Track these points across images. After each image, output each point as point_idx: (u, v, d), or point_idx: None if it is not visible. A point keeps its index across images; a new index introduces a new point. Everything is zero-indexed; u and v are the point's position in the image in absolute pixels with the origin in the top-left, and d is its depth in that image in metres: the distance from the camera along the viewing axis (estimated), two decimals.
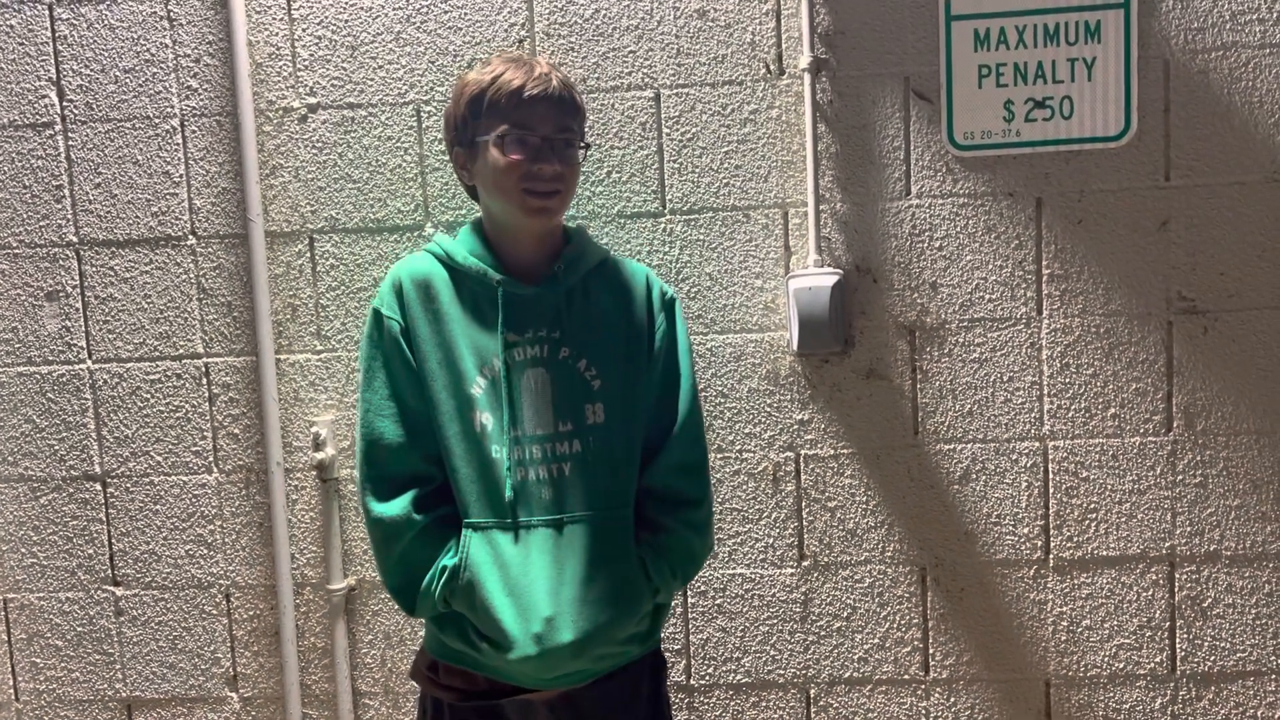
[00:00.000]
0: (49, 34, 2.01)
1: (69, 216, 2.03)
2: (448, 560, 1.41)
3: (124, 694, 2.11)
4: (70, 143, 2.02)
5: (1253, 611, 1.95)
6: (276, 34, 1.98)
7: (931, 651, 1.99)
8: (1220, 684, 1.96)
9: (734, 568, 2.00)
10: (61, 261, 2.04)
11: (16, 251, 2.04)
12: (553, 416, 1.42)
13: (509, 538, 1.40)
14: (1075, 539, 1.95)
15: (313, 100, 1.99)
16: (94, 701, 2.12)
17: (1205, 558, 1.94)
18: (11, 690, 2.13)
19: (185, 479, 2.06)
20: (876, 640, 2.00)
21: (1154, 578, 1.95)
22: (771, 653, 2.01)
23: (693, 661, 2.02)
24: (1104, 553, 1.95)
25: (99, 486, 2.08)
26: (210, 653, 2.09)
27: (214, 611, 2.08)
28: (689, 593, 2.01)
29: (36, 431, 2.07)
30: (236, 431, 2.05)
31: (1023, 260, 1.92)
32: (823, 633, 2.00)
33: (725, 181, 1.95)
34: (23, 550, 2.10)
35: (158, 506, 2.07)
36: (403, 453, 1.43)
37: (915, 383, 1.95)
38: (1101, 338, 1.92)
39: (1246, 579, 1.94)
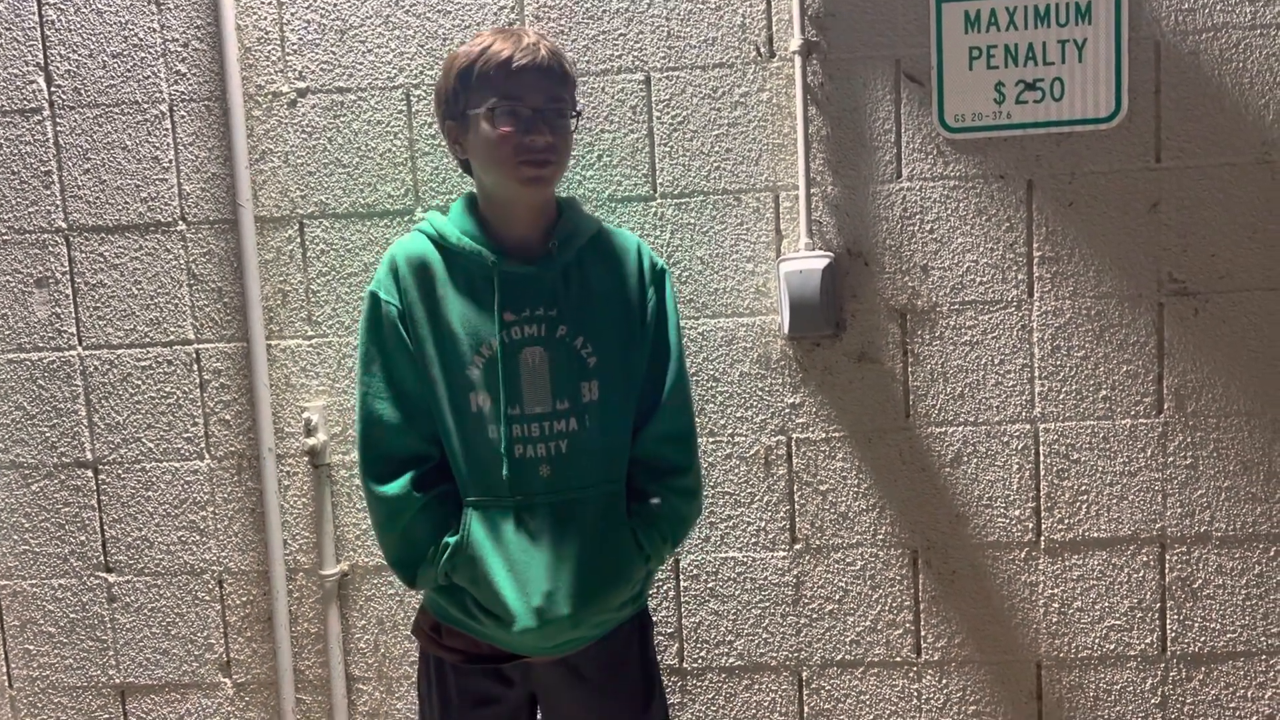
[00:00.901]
0: (36, 18, 1.99)
1: (58, 202, 2.03)
2: (450, 537, 1.44)
3: (117, 680, 2.11)
4: (59, 128, 2.01)
5: (1243, 592, 1.95)
6: (265, 18, 1.97)
7: (923, 634, 2.00)
8: (1210, 664, 1.97)
9: (726, 551, 2.01)
10: (51, 248, 2.04)
11: (5, 238, 2.04)
12: (550, 395, 1.43)
13: (509, 515, 1.43)
14: (1066, 521, 1.96)
15: (302, 85, 1.98)
16: (87, 688, 2.12)
17: (1196, 539, 1.95)
18: (5, 677, 2.13)
19: (177, 465, 2.06)
20: (868, 623, 2.00)
21: (1145, 559, 1.96)
22: (764, 636, 2.02)
23: (685, 645, 2.03)
24: (1095, 534, 1.96)
25: (90, 473, 2.07)
26: (203, 639, 2.09)
27: (207, 598, 2.08)
28: (681, 576, 2.02)
29: (27, 418, 2.07)
30: (228, 418, 2.04)
31: (1014, 243, 1.92)
32: (815, 615, 2.01)
33: (716, 165, 1.94)
34: (15, 537, 2.09)
35: (150, 493, 2.07)
36: (401, 434, 1.45)
37: (906, 366, 1.95)
38: (1092, 320, 1.92)
39: (1237, 560, 1.95)
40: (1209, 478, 1.93)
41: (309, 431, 1.99)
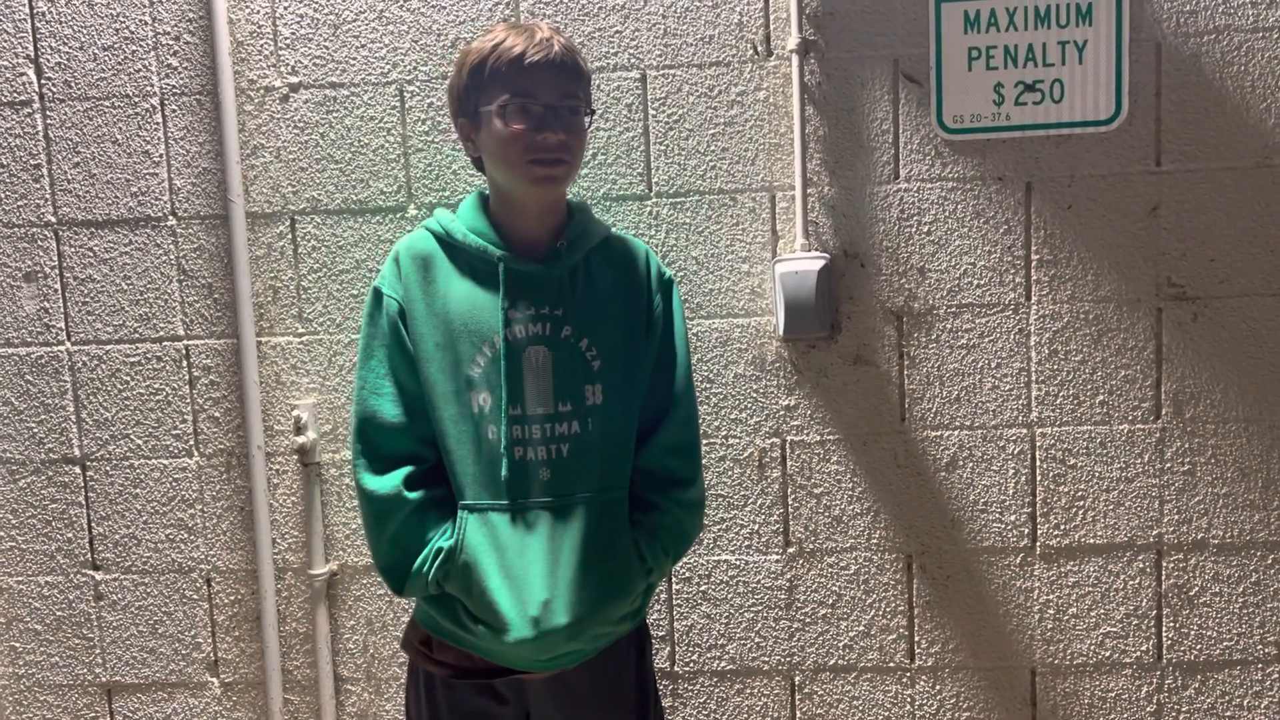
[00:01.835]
0: (27, 10, 1.98)
1: (47, 196, 2.01)
2: (443, 542, 1.40)
3: (104, 679, 2.09)
4: (49, 121, 2.00)
5: (1239, 600, 1.94)
6: (258, 12, 1.95)
7: (917, 639, 1.98)
8: (1206, 673, 1.95)
9: (719, 554, 1.99)
10: (40, 242, 2.02)
11: None
12: (553, 396, 1.40)
13: (506, 519, 1.39)
14: (1062, 527, 1.94)
15: (294, 79, 1.96)
16: (73, 686, 2.10)
17: (1192, 546, 1.93)
18: None
19: (165, 463, 2.04)
20: (862, 628, 1.98)
21: (1141, 566, 1.94)
22: (756, 640, 2.00)
23: (677, 648, 2.01)
24: (1091, 541, 1.94)
25: (78, 470, 2.05)
26: (191, 638, 2.07)
27: (194, 596, 2.06)
28: (674, 579, 2.00)
29: (15, 414, 2.05)
30: (217, 415, 2.03)
31: (1011, 245, 1.90)
32: (808, 620, 1.99)
33: (712, 164, 1.93)
34: (1, 534, 2.07)
35: (138, 490, 2.05)
36: (396, 432, 1.42)
37: (902, 369, 1.94)
38: (1090, 324, 1.91)
39: (1234, 568, 1.93)
40: (1206, 484, 1.92)
41: (299, 429, 1.98)
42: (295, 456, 2.00)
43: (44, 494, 2.06)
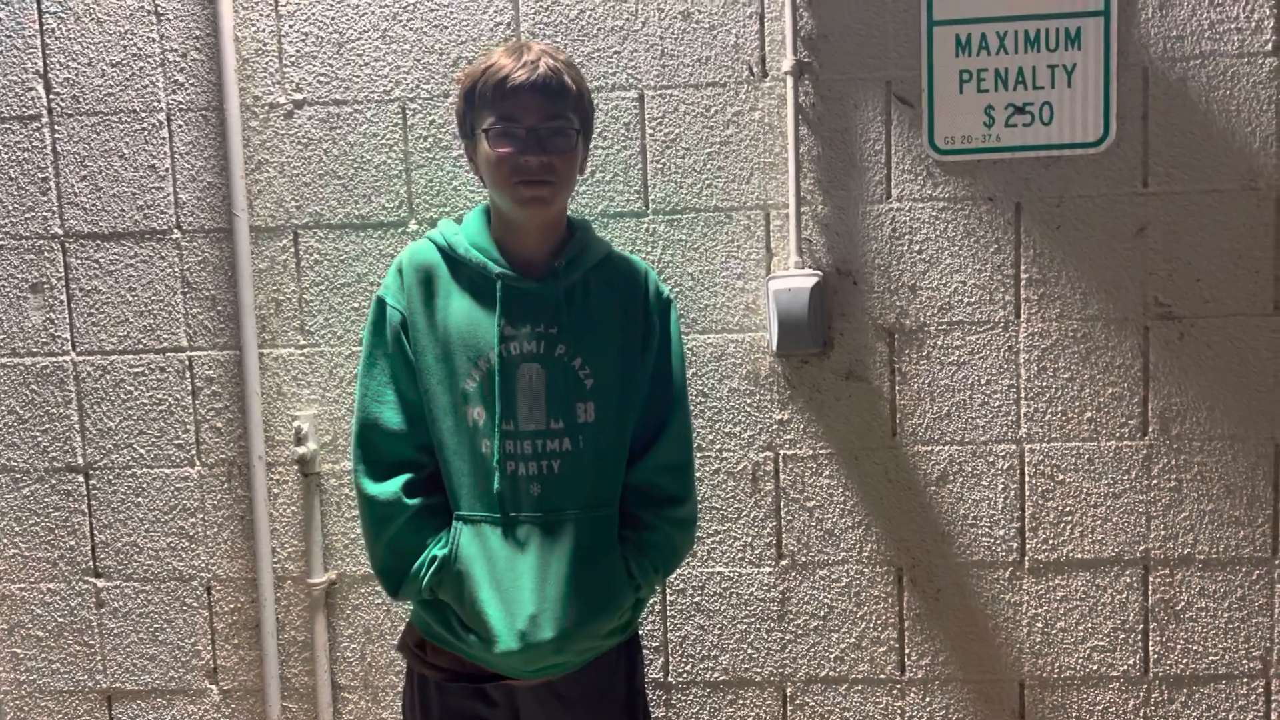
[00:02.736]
0: (36, 26, 2.01)
1: (54, 209, 2.04)
2: (438, 550, 1.43)
3: (104, 685, 2.12)
4: (56, 135, 2.03)
5: (1225, 615, 1.96)
6: (263, 29, 1.99)
7: (907, 651, 2.01)
8: (1192, 687, 1.98)
9: (712, 566, 2.01)
10: (46, 254, 2.05)
11: (1, 243, 2.05)
12: (545, 413, 1.43)
13: (497, 532, 1.42)
14: (1051, 541, 1.97)
15: (299, 96, 1.99)
16: (74, 692, 2.12)
17: (1179, 561, 1.96)
18: None
19: (167, 472, 2.07)
20: (853, 640, 2.01)
21: (1128, 581, 1.97)
22: (749, 651, 2.02)
23: (670, 659, 2.03)
24: (1079, 555, 1.97)
25: (81, 478, 2.08)
26: (191, 645, 2.10)
27: (195, 604, 2.09)
28: (667, 590, 2.02)
29: (19, 422, 2.08)
30: (219, 425, 2.05)
31: (1001, 264, 1.94)
32: (800, 632, 2.01)
33: (708, 182, 1.96)
34: (4, 541, 2.10)
35: (140, 499, 2.08)
36: (396, 439, 1.45)
37: (894, 384, 1.97)
38: (1079, 342, 1.94)
39: (1219, 583, 1.96)
40: (1192, 501, 1.95)
41: (299, 440, 2.01)
42: (296, 467, 2.03)
43: (47, 502, 2.09)
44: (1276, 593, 1.95)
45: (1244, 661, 1.97)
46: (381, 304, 1.47)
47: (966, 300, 1.94)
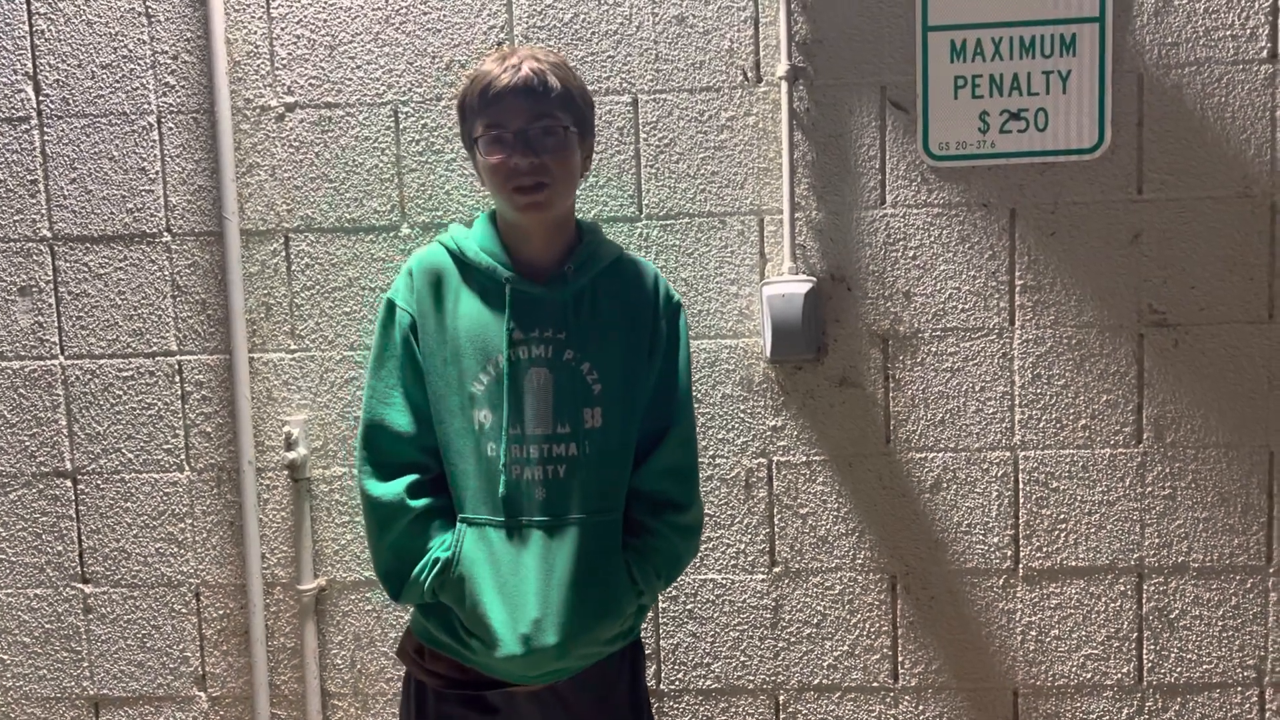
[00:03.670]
0: (26, 27, 2.00)
1: (43, 211, 2.03)
2: (441, 553, 1.42)
3: (91, 692, 2.10)
4: (46, 137, 2.02)
5: (1219, 624, 1.96)
6: (255, 32, 1.98)
7: (901, 659, 2.00)
8: (1186, 695, 1.97)
9: (705, 573, 2.00)
10: (35, 256, 2.03)
11: None
12: (552, 418, 1.42)
13: (502, 535, 1.41)
14: (1045, 549, 1.96)
15: (290, 99, 1.98)
16: (61, 699, 2.10)
17: (1173, 569, 1.95)
18: None
19: (156, 477, 2.05)
20: (846, 647, 2.00)
21: (1122, 589, 1.96)
22: (742, 658, 2.01)
23: (663, 666, 2.02)
24: (1073, 563, 1.96)
25: (69, 483, 2.07)
26: (179, 652, 2.08)
27: (183, 610, 2.07)
28: (660, 598, 2.01)
29: (7, 426, 2.06)
30: (209, 430, 2.04)
31: (996, 271, 1.93)
32: (793, 639, 2.00)
33: (701, 187, 1.95)
34: None
35: (128, 504, 2.06)
36: (402, 441, 1.45)
37: (888, 391, 1.96)
38: (1073, 349, 1.93)
39: (1213, 591, 1.95)
40: (1187, 509, 1.94)
41: (289, 445, 1.99)
42: (285, 472, 2.01)
43: (35, 507, 2.07)
44: (1270, 601, 1.95)
45: (1238, 670, 1.96)
46: (391, 306, 1.47)
47: (961, 307, 1.94)
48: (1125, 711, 1.98)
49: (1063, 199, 1.91)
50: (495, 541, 1.41)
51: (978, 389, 1.95)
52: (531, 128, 1.39)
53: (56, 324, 2.04)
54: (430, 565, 1.42)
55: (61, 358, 2.05)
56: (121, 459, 2.05)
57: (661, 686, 2.02)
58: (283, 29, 1.97)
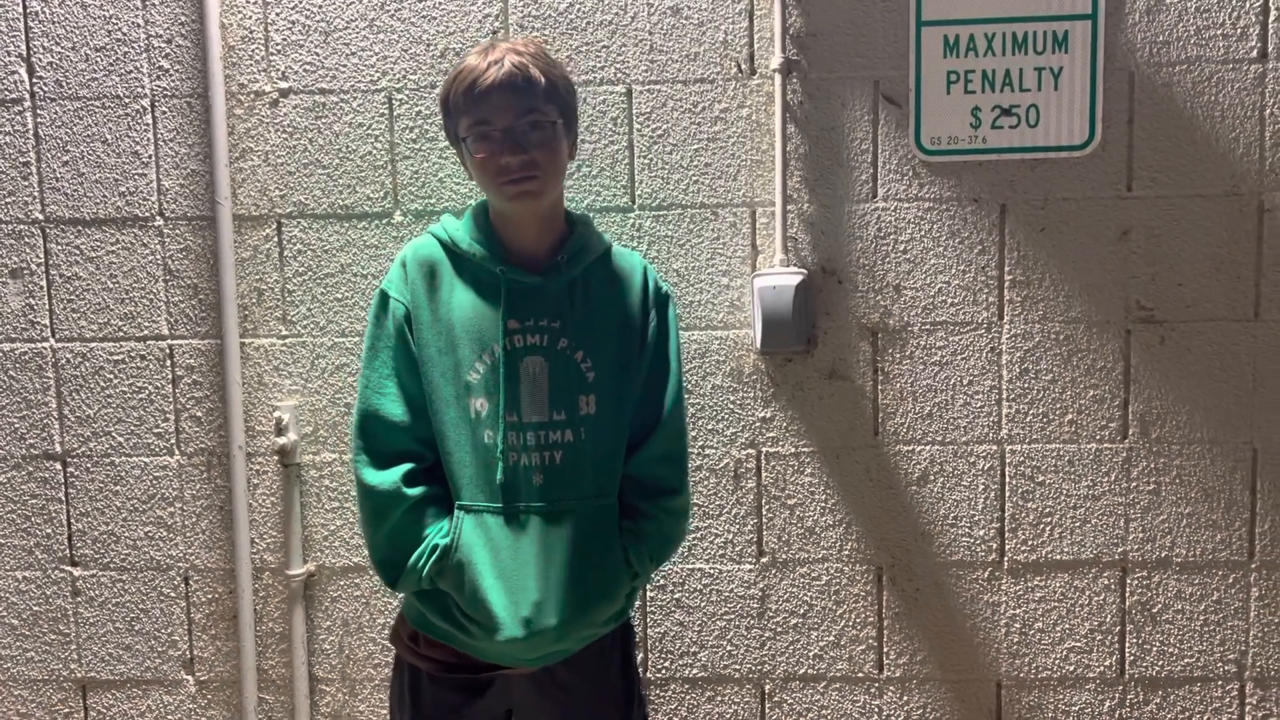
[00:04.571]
0: (20, 9, 1.99)
1: (35, 194, 2.02)
2: (439, 539, 1.44)
3: (79, 675, 2.10)
4: (39, 120, 2.01)
5: (1201, 618, 1.97)
6: (250, 17, 1.98)
7: (886, 650, 2.01)
8: (1168, 689, 1.99)
9: (693, 563, 2.01)
10: (27, 239, 2.03)
11: None
12: (548, 405, 1.45)
13: (500, 521, 1.44)
14: (1030, 542, 1.98)
15: (284, 85, 1.98)
16: (48, 681, 2.11)
17: (1156, 564, 1.97)
18: None
19: (146, 460, 2.05)
20: (832, 638, 2.01)
21: (1106, 582, 1.98)
22: (728, 648, 2.03)
23: (650, 654, 2.03)
24: (1057, 557, 1.98)
25: (59, 466, 2.07)
26: (167, 635, 2.08)
27: (172, 594, 2.08)
28: (648, 586, 2.02)
29: None
30: (199, 414, 2.04)
31: (985, 265, 1.94)
32: (779, 629, 2.02)
33: (694, 179, 1.96)
34: None
35: (118, 487, 2.06)
36: (397, 431, 1.46)
37: (876, 384, 1.97)
38: (1061, 344, 1.94)
39: (1196, 586, 1.97)
40: (1171, 504, 1.96)
41: (280, 431, 1.99)
42: (276, 457, 2.02)
43: (24, 489, 2.07)
44: (1252, 596, 1.96)
45: (1219, 664, 1.98)
46: (385, 296, 1.48)
47: (950, 301, 1.95)
48: (1107, 704, 2.00)
49: (1053, 195, 1.92)
50: (493, 528, 1.43)
51: (966, 383, 1.96)
52: (518, 124, 1.41)
53: (48, 306, 2.04)
54: (429, 552, 1.44)
55: (52, 340, 2.04)
56: (111, 442, 2.05)
57: (648, 675, 2.04)
58: (277, 14, 1.97)
